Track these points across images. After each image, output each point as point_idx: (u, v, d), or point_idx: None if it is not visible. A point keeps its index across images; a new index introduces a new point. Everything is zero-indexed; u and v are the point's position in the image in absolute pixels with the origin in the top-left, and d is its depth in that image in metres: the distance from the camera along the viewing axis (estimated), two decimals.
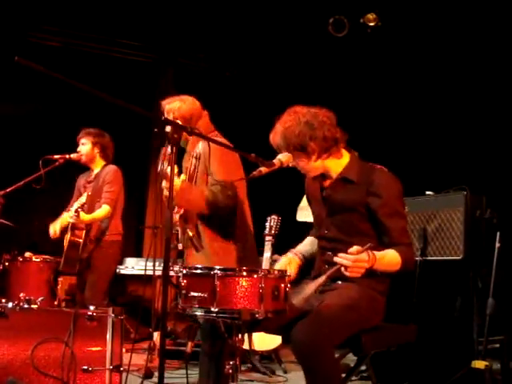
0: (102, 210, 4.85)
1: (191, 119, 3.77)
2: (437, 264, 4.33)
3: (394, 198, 2.85)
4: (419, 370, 4.31)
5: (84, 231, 4.79)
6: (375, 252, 2.64)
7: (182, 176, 3.49)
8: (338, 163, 2.93)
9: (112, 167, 5.11)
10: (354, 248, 2.55)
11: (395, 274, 2.82)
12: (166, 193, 3.40)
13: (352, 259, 2.53)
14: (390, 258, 2.73)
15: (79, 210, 4.50)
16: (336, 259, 2.58)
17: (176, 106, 3.82)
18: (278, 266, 3.01)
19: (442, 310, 4.29)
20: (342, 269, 2.56)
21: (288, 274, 2.62)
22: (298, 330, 2.56)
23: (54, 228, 5.03)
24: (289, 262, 3.02)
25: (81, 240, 4.79)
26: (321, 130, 2.83)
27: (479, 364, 3.82)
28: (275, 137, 2.89)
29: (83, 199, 4.67)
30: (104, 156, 5.16)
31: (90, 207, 4.87)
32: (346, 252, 2.57)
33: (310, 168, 2.92)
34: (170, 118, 3.72)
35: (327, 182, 2.99)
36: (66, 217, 4.91)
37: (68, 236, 4.85)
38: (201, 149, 3.66)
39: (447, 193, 4.38)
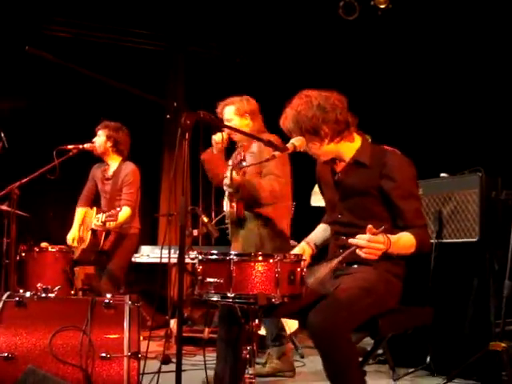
0: (124, 213, 4.89)
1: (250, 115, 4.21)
2: (452, 246, 4.31)
3: (407, 180, 2.83)
4: (436, 353, 4.31)
5: (104, 232, 4.86)
6: (390, 235, 2.62)
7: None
8: (350, 147, 2.92)
9: (130, 167, 5.11)
10: (369, 227, 2.53)
11: (410, 257, 2.81)
12: (226, 181, 3.73)
13: (367, 238, 2.52)
14: (404, 241, 2.72)
15: (107, 221, 4.56)
16: (351, 240, 2.56)
17: (236, 104, 4.22)
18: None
19: (459, 293, 4.27)
20: (357, 250, 2.55)
21: (304, 258, 2.62)
22: (315, 314, 2.56)
23: (73, 237, 5.14)
24: (302, 252, 3.01)
25: (101, 240, 4.86)
26: (333, 112, 2.81)
27: (496, 346, 3.80)
28: (286, 121, 2.87)
29: (112, 214, 4.70)
30: (117, 151, 5.17)
31: (109, 206, 4.93)
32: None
33: (322, 152, 2.90)
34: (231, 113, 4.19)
35: (339, 167, 2.98)
36: (89, 217, 4.98)
37: (88, 235, 4.89)
38: (256, 148, 4.06)
39: (462, 174, 4.35)
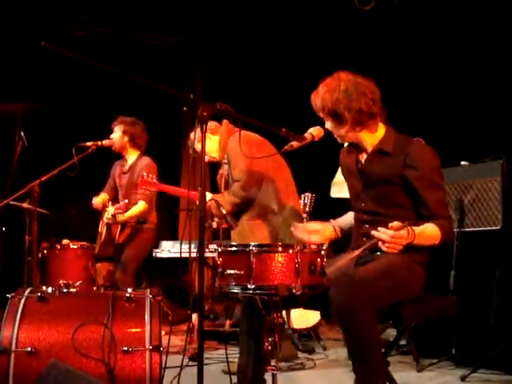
0: (139, 207, 4.91)
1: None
2: (475, 235, 4.26)
3: (431, 170, 2.81)
4: (460, 344, 4.27)
5: (119, 225, 4.88)
6: (414, 227, 2.61)
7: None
8: (371, 136, 2.91)
9: (146, 160, 5.14)
10: (395, 223, 2.52)
11: (435, 248, 2.78)
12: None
13: (391, 234, 2.51)
14: (429, 233, 2.70)
15: (116, 215, 4.58)
16: (374, 233, 2.56)
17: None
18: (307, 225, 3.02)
19: (482, 282, 4.23)
20: (380, 243, 2.54)
21: (323, 247, 2.60)
22: (337, 289, 2.55)
23: (97, 201, 5.17)
24: (322, 228, 3.01)
25: (116, 234, 4.89)
26: (358, 101, 2.80)
27: None
28: (315, 98, 2.88)
29: (120, 206, 4.70)
30: (134, 145, 5.20)
31: (126, 198, 4.94)
32: (384, 225, 2.54)
33: (341, 135, 2.90)
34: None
35: (363, 155, 2.96)
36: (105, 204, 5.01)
37: (104, 229, 4.92)
38: (227, 153, 4.13)
39: (483, 162, 4.30)
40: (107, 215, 4.64)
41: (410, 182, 2.81)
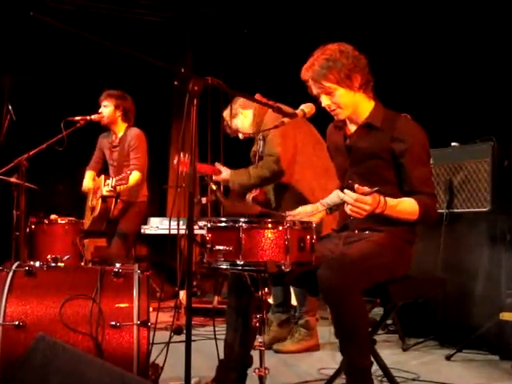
0: (133, 177, 4.88)
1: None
2: (463, 216, 4.28)
3: (418, 146, 2.81)
4: (446, 324, 4.30)
5: (114, 198, 4.85)
6: (388, 199, 2.62)
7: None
8: (366, 105, 2.89)
9: (136, 131, 5.12)
10: (361, 188, 2.54)
11: (415, 223, 2.78)
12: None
13: (354, 197, 2.53)
14: (404, 206, 2.71)
15: (117, 186, 4.54)
16: (339, 193, 2.60)
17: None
18: (300, 209, 3.03)
19: (469, 263, 4.25)
20: (345, 205, 2.57)
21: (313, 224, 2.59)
22: (325, 269, 2.56)
23: (88, 185, 5.14)
24: (312, 210, 3.02)
25: (111, 206, 4.85)
26: (363, 61, 2.83)
27: (507, 316, 3.80)
28: (313, 67, 2.83)
29: (123, 177, 4.66)
30: (126, 119, 5.18)
31: (117, 173, 4.91)
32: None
33: (345, 102, 2.85)
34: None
35: (350, 130, 2.95)
36: (99, 182, 4.97)
37: (99, 203, 4.88)
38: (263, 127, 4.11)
39: (474, 143, 4.31)
40: (107, 188, 4.58)
41: (397, 156, 2.80)
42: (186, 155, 4.24)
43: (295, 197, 4.06)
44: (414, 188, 2.77)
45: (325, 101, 2.87)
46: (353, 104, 2.87)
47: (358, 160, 2.91)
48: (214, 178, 4.18)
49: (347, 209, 2.57)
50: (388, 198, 2.62)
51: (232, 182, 4.12)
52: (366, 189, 2.54)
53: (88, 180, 5.25)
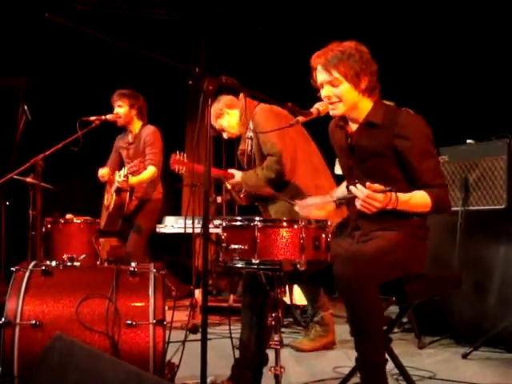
0: (148, 172, 4.90)
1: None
2: (479, 214, 4.26)
3: (422, 139, 2.78)
4: (462, 322, 4.28)
5: (128, 192, 4.86)
6: (400, 194, 2.61)
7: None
8: (366, 105, 2.87)
9: (151, 128, 5.14)
10: (373, 185, 2.54)
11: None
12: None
13: (365, 193, 2.52)
14: (416, 200, 2.70)
15: (129, 175, 4.54)
16: (351, 188, 2.59)
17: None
18: (309, 200, 3.05)
19: (485, 260, 4.22)
20: (356, 200, 2.57)
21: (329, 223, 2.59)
22: (340, 264, 2.55)
23: (103, 173, 5.11)
24: (322, 202, 3.04)
25: (126, 201, 4.86)
26: (374, 67, 2.82)
27: None
28: (326, 55, 2.82)
29: (134, 164, 4.67)
30: (141, 117, 5.21)
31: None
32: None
33: (346, 97, 2.83)
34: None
35: (352, 129, 2.94)
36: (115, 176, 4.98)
37: (113, 197, 4.90)
38: (251, 128, 4.09)
39: (489, 141, 4.27)
40: (118, 178, 4.60)
41: (401, 152, 2.78)
42: (182, 154, 4.28)
43: (292, 192, 4.06)
44: (426, 182, 2.75)
45: (327, 91, 2.85)
46: (353, 103, 2.85)
47: (362, 159, 2.89)
48: (227, 182, 4.20)
49: (357, 203, 2.57)
50: (399, 194, 2.62)
51: (243, 183, 4.13)
52: (378, 186, 2.54)
53: (105, 169, 5.25)
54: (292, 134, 4.07)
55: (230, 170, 4.26)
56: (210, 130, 4.39)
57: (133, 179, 4.68)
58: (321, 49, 2.86)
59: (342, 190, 3.15)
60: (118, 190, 4.78)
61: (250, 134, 4.17)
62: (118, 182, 4.62)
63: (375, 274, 2.57)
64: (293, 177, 4.14)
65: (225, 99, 4.35)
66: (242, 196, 4.20)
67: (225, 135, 4.42)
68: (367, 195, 2.53)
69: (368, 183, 2.54)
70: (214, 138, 4.55)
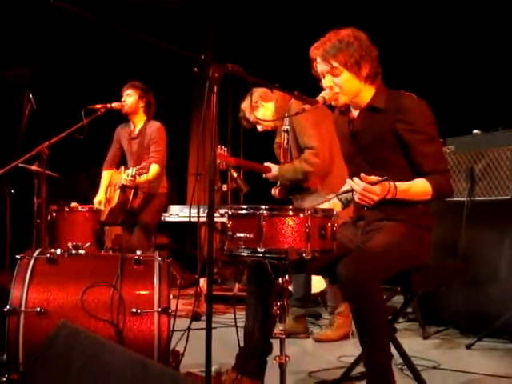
0: (153, 170, 4.91)
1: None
2: (485, 204, 4.24)
3: (424, 123, 2.76)
4: (467, 312, 4.27)
5: (133, 190, 4.87)
6: (398, 183, 2.61)
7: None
8: (369, 92, 2.85)
9: (156, 124, 5.13)
10: (368, 177, 2.55)
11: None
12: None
13: (362, 186, 2.54)
14: (417, 188, 2.70)
15: (137, 175, 4.55)
16: (348, 181, 2.60)
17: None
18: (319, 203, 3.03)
19: (491, 251, 4.21)
20: (354, 193, 2.58)
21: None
22: (344, 263, 2.55)
23: (100, 199, 5.20)
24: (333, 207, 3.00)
25: (130, 198, 4.88)
26: (374, 53, 2.80)
27: None
28: (324, 45, 2.80)
29: (144, 166, 4.67)
30: (147, 112, 5.20)
31: (137, 163, 4.92)
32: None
33: (347, 87, 2.81)
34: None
35: (354, 115, 2.92)
36: (116, 178, 4.99)
37: (117, 193, 4.90)
38: (288, 122, 4.11)
39: (496, 131, 4.25)
40: (126, 177, 4.60)
41: (404, 137, 2.75)
42: (224, 148, 4.26)
43: (333, 184, 4.04)
44: (427, 168, 2.74)
45: (328, 81, 2.83)
46: (355, 91, 2.83)
47: (364, 145, 2.87)
48: (264, 175, 4.21)
49: (355, 197, 2.58)
50: (398, 183, 2.62)
51: (281, 177, 4.13)
52: (373, 178, 2.54)
53: (100, 193, 5.28)
54: (328, 124, 4.06)
55: (266, 164, 4.26)
56: (245, 122, 4.43)
57: (141, 179, 4.70)
58: (318, 39, 2.84)
59: (345, 186, 3.14)
60: (123, 187, 4.79)
61: (285, 126, 4.15)
62: (125, 180, 4.62)
63: (377, 274, 2.56)
64: (332, 168, 4.14)
65: (259, 92, 4.33)
66: (277, 190, 4.20)
67: (259, 128, 4.39)
68: (364, 188, 2.54)
69: (362, 174, 2.54)
70: (244, 130, 4.53)
